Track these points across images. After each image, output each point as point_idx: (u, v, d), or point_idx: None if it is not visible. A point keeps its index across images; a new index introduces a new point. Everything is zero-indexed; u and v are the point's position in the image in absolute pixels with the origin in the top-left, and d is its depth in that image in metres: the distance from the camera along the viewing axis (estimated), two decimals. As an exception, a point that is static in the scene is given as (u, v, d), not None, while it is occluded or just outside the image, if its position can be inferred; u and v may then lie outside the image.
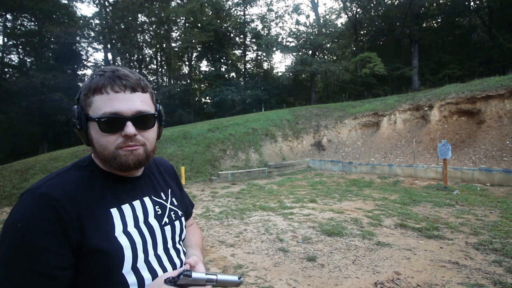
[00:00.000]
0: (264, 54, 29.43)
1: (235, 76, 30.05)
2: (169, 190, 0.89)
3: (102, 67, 0.67)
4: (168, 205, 0.84)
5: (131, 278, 0.66)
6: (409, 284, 2.66)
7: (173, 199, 0.88)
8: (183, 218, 0.88)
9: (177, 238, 0.83)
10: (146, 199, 0.78)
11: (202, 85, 32.97)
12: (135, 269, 0.67)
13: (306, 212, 5.43)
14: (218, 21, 26.65)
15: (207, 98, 27.48)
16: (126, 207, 0.71)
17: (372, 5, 24.58)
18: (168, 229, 0.79)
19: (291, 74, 27.09)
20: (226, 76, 27.52)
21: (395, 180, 8.49)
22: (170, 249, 0.78)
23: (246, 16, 29.34)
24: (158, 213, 0.79)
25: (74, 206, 0.62)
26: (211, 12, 27.48)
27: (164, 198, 0.84)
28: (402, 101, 13.01)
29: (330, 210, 5.51)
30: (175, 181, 0.97)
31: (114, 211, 0.69)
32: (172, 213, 0.83)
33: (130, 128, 0.66)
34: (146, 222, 0.74)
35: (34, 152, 17.22)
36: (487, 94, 10.11)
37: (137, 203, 0.74)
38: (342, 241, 3.83)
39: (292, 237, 4.06)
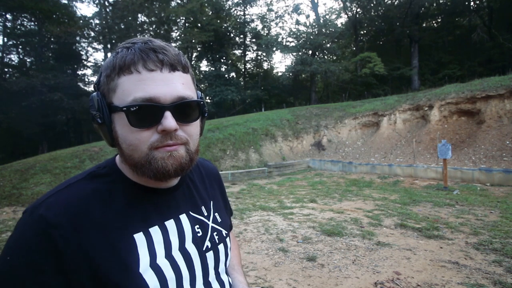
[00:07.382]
0: (264, 54, 29.46)
1: (235, 76, 30.07)
2: (211, 202, 0.72)
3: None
4: (211, 223, 0.67)
5: None
6: (409, 284, 2.66)
7: (216, 214, 0.71)
8: (227, 240, 0.71)
9: (221, 267, 0.66)
10: (183, 217, 0.61)
11: (202, 85, 32.97)
12: None
13: (306, 212, 5.43)
14: (218, 21, 26.67)
15: (207, 98, 27.49)
16: (155, 231, 0.55)
17: (372, 5, 24.60)
18: (210, 255, 0.63)
19: (291, 74, 27.11)
20: (226, 76, 27.53)
21: (395, 180, 8.48)
22: (212, 283, 0.62)
23: (246, 16, 29.39)
24: (198, 234, 0.62)
25: (81, 234, 0.47)
26: (211, 12, 27.50)
27: (206, 214, 0.67)
28: (402, 101, 13.01)
29: (330, 210, 5.51)
30: (219, 189, 0.79)
31: (139, 237, 0.52)
32: (215, 233, 0.66)
33: (169, 120, 0.49)
34: (182, 248, 0.58)
35: (34, 152, 17.22)
36: (487, 94, 10.11)
37: (170, 224, 0.58)
38: (342, 241, 3.83)
39: (292, 237, 4.06)
